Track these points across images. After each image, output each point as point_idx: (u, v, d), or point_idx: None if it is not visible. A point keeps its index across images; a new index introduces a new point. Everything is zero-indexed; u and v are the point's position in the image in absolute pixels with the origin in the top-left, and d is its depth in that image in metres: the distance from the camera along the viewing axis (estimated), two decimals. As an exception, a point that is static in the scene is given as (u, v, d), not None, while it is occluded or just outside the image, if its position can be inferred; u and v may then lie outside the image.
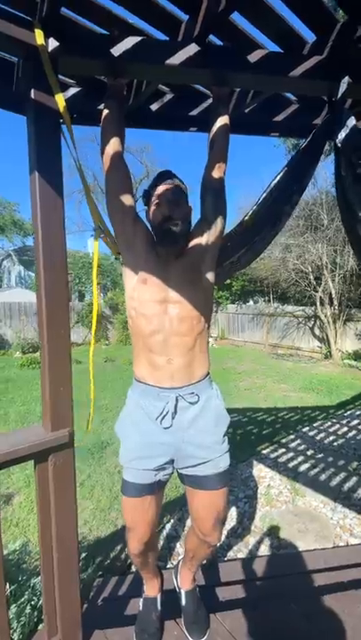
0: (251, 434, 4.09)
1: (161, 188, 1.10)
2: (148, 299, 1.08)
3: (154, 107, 1.44)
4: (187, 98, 1.42)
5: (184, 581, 1.36)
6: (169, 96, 1.43)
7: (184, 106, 1.44)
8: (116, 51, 1.01)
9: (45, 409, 1.09)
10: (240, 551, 2.16)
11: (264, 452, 3.57)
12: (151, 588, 1.32)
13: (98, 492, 2.88)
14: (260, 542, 2.22)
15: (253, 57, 1.07)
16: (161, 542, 2.23)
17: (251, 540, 2.25)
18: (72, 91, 1.38)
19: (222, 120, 1.15)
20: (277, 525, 2.37)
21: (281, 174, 1.21)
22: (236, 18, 1.03)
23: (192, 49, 1.04)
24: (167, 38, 1.10)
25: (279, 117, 1.50)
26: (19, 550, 1.83)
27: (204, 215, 1.16)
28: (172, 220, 1.07)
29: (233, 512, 2.55)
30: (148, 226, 1.15)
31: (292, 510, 2.55)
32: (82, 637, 1.21)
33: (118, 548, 2.23)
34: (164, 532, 2.33)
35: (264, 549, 2.16)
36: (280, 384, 6.50)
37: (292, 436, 3.92)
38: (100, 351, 9.91)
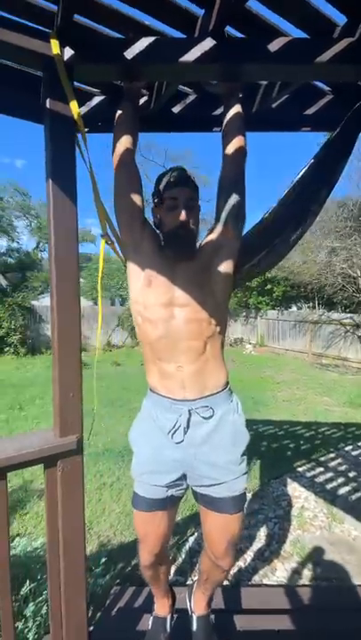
0: (287, 449, 3.86)
1: (176, 191, 1.04)
2: (153, 302, 1.04)
3: (176, 109, 1.41)
4: (209, 98, 1.37)
5: (197, 605, 1.28)
6: (191, 97, 1.40)
7: (207, 106, 1.39)
8: (130, 53, 1.00)
9: (55, 414, 1.10)
10: (266, 576, 2.01)
11: (300, 469, 3.33)
12: (161, 607, 1.26)
13: (125, 496, 2.88)
14: (288, 569, 2.05)
15: (274, 46, 0.99)
16: (182, 556, 2.16)
17: (278, 565, 2.09)
18: (96, 99, 1.41)
19: (236, 114, 1.09)
20: (310, 553, 2.17)
21: (305, 169, 1.10)
22: (255, 6, 0.97)
23: (207, 44, 0.99)
24: (184, 36, 1.07)
25: (311, 110, 1.39)
26: (40, 548, 1.88)
27: (217, 214, 1.10)
28: (188, 226, 1.03)
29: (262, 532, 2.40)
30: (155, 225, 1.12)
31: (328, 537, 2.32)
32: (87, 649, 1.18)
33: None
34: (187, 546, 2.25)
35: (293, 578, 1.98)
36: (323, 397, 6.09)
37: (332, 455, 3.62)
38: (135, 354, 10.11)
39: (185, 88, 1.37)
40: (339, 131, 1.07)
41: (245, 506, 1.12)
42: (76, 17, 0.97)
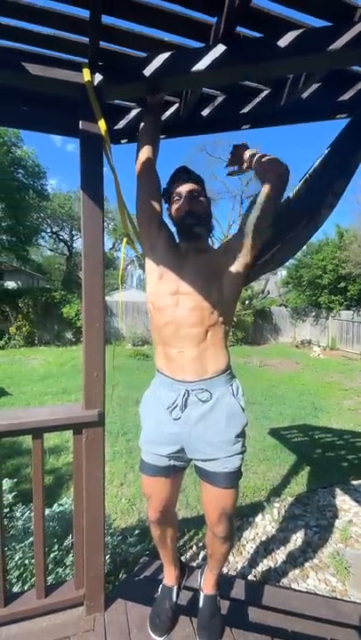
0: (343, 459, 3.58)
1: (179, 186, 1.16)
2: (163, 292, 1.14)
3: (205, 112, 1.47)
4: (237, 96, 1.40)
5: (206, 584, 1.35)
6: (220, 98, 1.44)
7: (234, 105, 1.42)
8: (148, 71, 1.11)
9: (83, 390, 1.28)
10: (295, 581, 1.95)
11: (355, 482, 3.07)
12: (168, 577, 1.36)
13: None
14: (321, 579, 1.96)
15: (285, 40, 0.99)
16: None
17: (311, 573, 2.00)
18: (133, 112, 1.55)
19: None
20: (349, 568, 2.03)
21: (319, 160, 1.06)
22: (266, 4, 0.98)
23: (218, 50, 1.04)
24: (202, 45, 1.13)
25: (346, 96, 1.31)
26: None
27: (243, 223, 1.14)
28: (192, 214, 1.12)
29: (298, 538, 2.32)
30: (171, 224, 1.22)
31: (373, 557, 2.13)
32: (104, 599, 1.35)
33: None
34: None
35: (324, 589, 1.89)
36: None
37: (396, 473, 3.24)
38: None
39: (212, 91, 1.42)
40: (354, 118, 1.00)
41: (240, 481, 1.17)
42: (102, 44, 1.11)
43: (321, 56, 1.00)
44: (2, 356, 8.90)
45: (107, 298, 12.52)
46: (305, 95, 1.34)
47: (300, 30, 0.99)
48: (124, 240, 1.29)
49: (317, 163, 1.08)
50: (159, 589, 1.39)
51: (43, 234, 21.61)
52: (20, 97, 1.35)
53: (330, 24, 1.02)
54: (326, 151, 1.07)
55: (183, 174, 1.18)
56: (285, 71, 1.17)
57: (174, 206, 1.17)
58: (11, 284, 14.72)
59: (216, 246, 1.28)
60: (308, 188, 1.09)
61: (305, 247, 11.00)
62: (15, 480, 2.47)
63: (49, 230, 22.71)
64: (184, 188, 1.15)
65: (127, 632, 1.28)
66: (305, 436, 4.25)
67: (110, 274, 24.69)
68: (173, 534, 1.31)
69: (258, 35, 1.07)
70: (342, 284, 11.52)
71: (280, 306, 14.21)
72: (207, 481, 1.13)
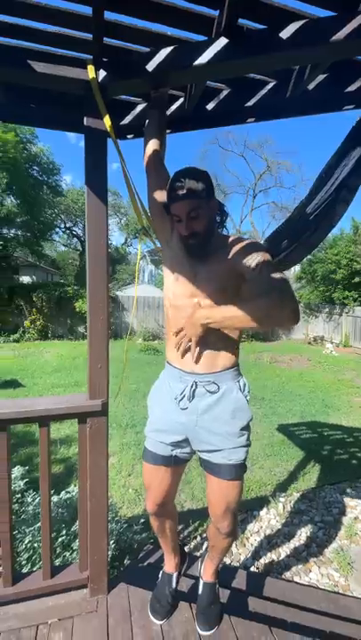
0: (353, 457, 3.54)
1: (177, 207, 1.06)
2: (180, 294, 1.15)
3: (210, 106, 1.47)
4: (241, 89, 1.39)
5: (205, 572, 1.39)
6: (225, 92, 1.43)
7: (239, 99, 1.41)
8: (151, 66, 1.12)
9: (87, 381, 1.32)
10: (297, 575, 1.96)
11: (364, 480, 3.04)
12: (169, 564, 1.40)
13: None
14: (324, 574, 1.96)
15: (287, 32, 0.98)
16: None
17: (314, 568, 2.01)
18: (139, 107, 1.56)
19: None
20: (352, 565, 2.02)
21: (333, 154, 1.05)
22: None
23: (220, 43, 1.04)
24: (206, 38, 1.13)
25: (353, 87, 1.29)
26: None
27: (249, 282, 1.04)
28: (194, 235, 1.07)
29: (303, 533, 2.32)
30: None
31: (379, 555, 2.12)
32: (107, 582, 1.40)
33: (179, 527, 2.36)
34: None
35: (327, 584, 1.90)
36: None
37: None
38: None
39: (217, 84, 1.41)
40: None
41: (245, 474, 1.17)
42: (106, 40, 1.12)
43: (325, 47, 0.98)
44: (16, 349, 9.14)
45: (118, 293, 12.60)
46: (311, 87, 1.32)
47: (303, 21, 0.98)
48: (141, 235, 1.31)
49: (331, 157, 1.06)
50: (160, 575, 1.43)
51: (57, 229, 21.92)
52: (26, 94, 1.39)
53: (333, 14, 1.01)
54: (340, 145, 1.06)
55: (180, 188, 1.03)
56: (289, 63, 1.15)
57: (176, 224, 1.10)
58: (26, 279, 15.04)
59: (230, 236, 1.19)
60: (323, 184, 1.07)
61: (319, 242, 10.80)
62: (27, 467, 2.56)
63: (63, 226, 23.01)
64: (183, 210, 1.04)
65: (128, 614, 1.33)
66: (314, 433, 4.22)
67: (122, 269, 24.87)
68: (172, 525, 1.34)
69: (261, 27, 1.07)
70: (357, 280, 11.26)
71: (293, 302, 13.98)
72: (212, 473, 1.15)
